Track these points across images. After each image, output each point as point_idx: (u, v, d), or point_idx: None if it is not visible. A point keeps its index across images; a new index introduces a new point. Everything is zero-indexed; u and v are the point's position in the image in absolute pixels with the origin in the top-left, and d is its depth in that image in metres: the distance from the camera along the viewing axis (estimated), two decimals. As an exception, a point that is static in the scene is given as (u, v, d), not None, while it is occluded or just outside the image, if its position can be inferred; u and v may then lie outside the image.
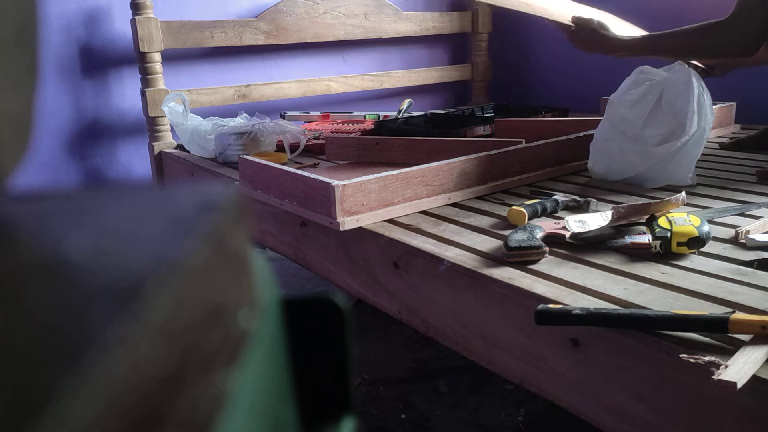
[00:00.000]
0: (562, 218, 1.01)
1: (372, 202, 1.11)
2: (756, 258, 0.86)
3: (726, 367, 0.60)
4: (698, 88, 1.24)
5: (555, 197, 1.14)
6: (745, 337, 0.65)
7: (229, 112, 1.95)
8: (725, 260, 0.88)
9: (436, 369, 1.45)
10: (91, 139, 1.93)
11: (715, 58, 1.54)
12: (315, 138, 1.82)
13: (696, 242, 0.88)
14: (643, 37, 1.47)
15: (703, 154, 1.32)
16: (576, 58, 2.19)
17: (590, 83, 2.20)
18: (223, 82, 2.07)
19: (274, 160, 1.56)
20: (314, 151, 1.74)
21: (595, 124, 1.39)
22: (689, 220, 0.91)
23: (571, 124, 1.69)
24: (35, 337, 0.14)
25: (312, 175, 1.13)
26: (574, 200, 1.15)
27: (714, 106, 1.34)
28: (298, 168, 1.40)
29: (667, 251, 0.88)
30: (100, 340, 0.13)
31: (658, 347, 0.67)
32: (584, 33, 1.48)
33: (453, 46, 2.69)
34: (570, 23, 1.52)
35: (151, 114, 1.88)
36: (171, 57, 1.99)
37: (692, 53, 1.44)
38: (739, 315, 0.65)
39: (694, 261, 0.88)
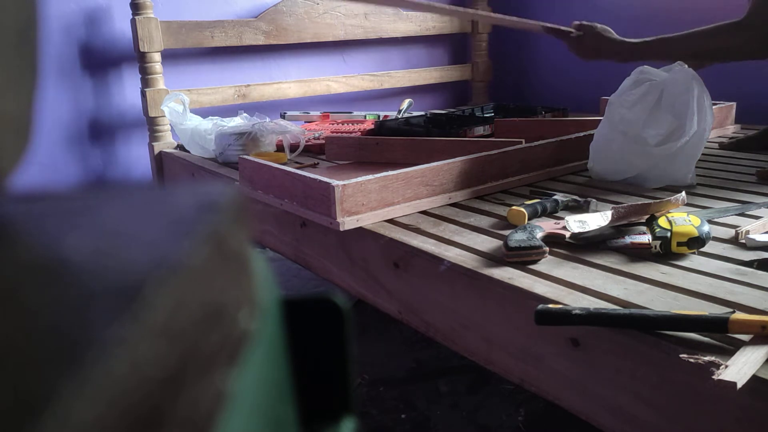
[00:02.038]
0: (562, 218, 1.01)
1: (372, 202, 1.11)
2: (756, 258, 0.86)
3: (726, 367, 0.60)
4: (698, 88, 1.24)
5: (555, 197, 1.14)
6: (745, 337, 0.65)
7: (229, 112, 1.95)
8: (725, 260, 0.88)
9: (436, 369, 1.45)
10: (91, 139, 1.93)
11: (729, 60, 1.50)
12: (315, 138, 1.82)
13: (696, 242, 0.88)
14: (653, 41, 1.44)
15: (703, 154, 1.32)
16: (576, 59, 2.19)
17: (590, 83, 2.20)
18: (223, 82, 2.07)
19: (274, 160, 1.56)
20: (314, 151, 1.74)
21: (595, 124, 1.39)
22: (689, 220, 0.91)
23: (571, 124, 1.69)
24: (35, 337, 0.14)
25: (312, 175, 1.13)
26: (574, 200, 1.15)
27: (714, 106, 1.34)
28: (297, 168, 1.40)
29: (667, 251, 0.88)
30: (100, 341, 0.13)
31: (658, 347, 0.67)
32: (588, 38, 1.46)
33: (453, 46, 2.69)
34: (570, 29, 1.51)
35: (151, 114, 1.88)
36: (171, 57, 1.99)
37: (706, 56, 1.42)
38: (739, 315, 0.65)
39: (694, 261, 0.88)
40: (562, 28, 1.53)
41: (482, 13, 1.74)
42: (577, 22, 1.51)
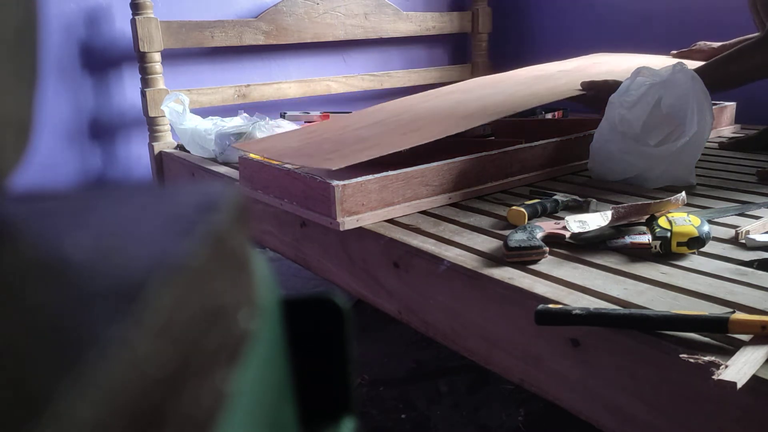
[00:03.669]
0: (562, 218, 1.01)
1: (372, 202, 1.11)
2: (756, 258, 0.86)
3: (726, 367, 0.60)
4: (698, 88, 1.24)
5: (555, 197, 1.14)
6: (745, 337, 0.65)
7: (229, 112, 1.95)
8: (725, 260, 0.88)
9: (436, 369, 1.45)
10: (91, 139, 1.93)
11: (757, 79, 1.45)
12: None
13: (696, 242, 0.88)
14: None
15: (703, 154, 1.32)
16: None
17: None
18: (223, 82, 2.07)
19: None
20: (314, 151, 1.74)
21: (595, 124, 1.39)
22: (689, 220, 0.91)
23: (571, 124, 1.69)
24: (35, 337, 0.14)
25: (312, 175, 1.13)
26: (574, 200, 1.15)
27: (714, 106, 1.34)
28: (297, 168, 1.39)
29: (667, 251, 0.88)
30: (101, 340, 0.13)
31: (658, 347, 0.67)
32: (604, 93, 1.42)
33: (453, 46, 2.69)
34: (580, 91, 1.49)
35: (151, 114, 1.88)
36: (171, 57, 1.99)
37: (734, 81, 1.39)
38: (739, 315, 0.65)
39: (694, 261, 0.88)
40: (576, 93, 1.50)
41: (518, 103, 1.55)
42: (587, 81, 1.50)
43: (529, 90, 1.54)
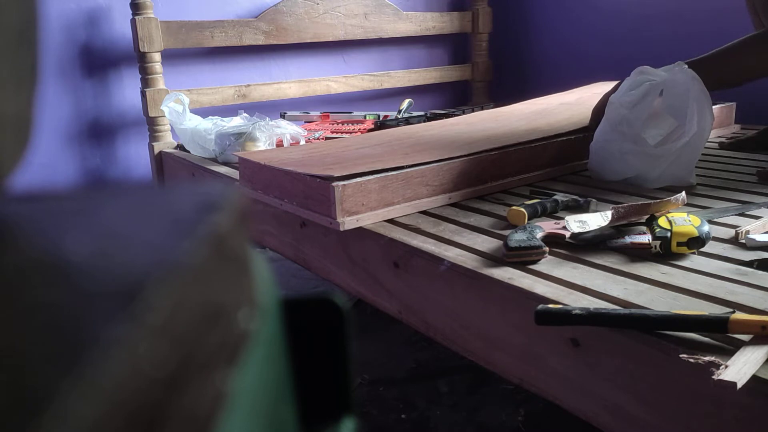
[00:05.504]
0: (562, 218, 1.01)
1: (372, 202, 1.11)
2: (756, 258, 0.86)
3: (726, 367, 0.60)
4: (698, 88, 1.24)
5: (555, 197, 1.14)
6: (745, 337, 0.65)
7: (229, 112, 1.95)
8: (725, 260, 0.88)
9: (436, 369, 1.45)
10: (91, 139, 1.93)
11: (756, 78, 1.41)
12: (315, 138, 1.82)
13: (696, 242, 0.88)
14: None
15: (703, 154, 1.32)
16: (576, 59, 2.19)
17: (591, 83, 2.20)
18: (223, 82, 2.07)
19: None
20: (314, 151, 1.74)
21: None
22: (689, 220, 0.91)
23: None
24: (35, 337, 0.14)
25: (312, 175, 1.13)
26: (574, 200, 1.15)
27: (714, 106, 1.34)
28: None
29: (667, 251, 0.88)
30: (100, 341, 0.13)
31: (658, 347, 0.67)
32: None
33: (453, 46, 2.69)
34: (579, 126, 1.48)
35: (151, 114, 1.88)
36: (171, 57, 1.99)
37: (732, 79, 1.38)
38: (739, 315, 0.65)
39: (694, 261, 0.88)
40: (577, 128, 1.49)
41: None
42: (598, 105, 1.47)
43: (531, 125, 1.56)
